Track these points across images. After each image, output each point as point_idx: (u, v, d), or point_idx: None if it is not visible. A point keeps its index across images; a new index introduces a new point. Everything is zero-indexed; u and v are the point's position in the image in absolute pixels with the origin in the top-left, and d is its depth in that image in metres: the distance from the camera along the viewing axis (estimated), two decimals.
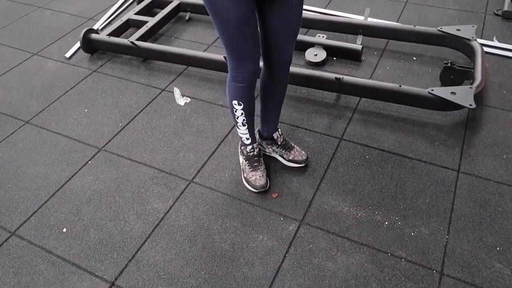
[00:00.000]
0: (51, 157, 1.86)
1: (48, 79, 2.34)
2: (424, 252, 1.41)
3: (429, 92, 1.85)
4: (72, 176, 1.77)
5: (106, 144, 1.91)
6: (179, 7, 2.76)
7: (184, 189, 1.68)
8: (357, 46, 2.27)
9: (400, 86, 1.91)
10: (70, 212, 1.63)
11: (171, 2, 2.76)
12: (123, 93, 2.20)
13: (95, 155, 1.86)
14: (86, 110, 2.11)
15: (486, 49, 2.26)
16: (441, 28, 2.22)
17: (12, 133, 2.01)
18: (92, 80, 2.31)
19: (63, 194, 1.70)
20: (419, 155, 1.75)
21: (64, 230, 1.57)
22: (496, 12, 2.57)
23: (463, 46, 2.19)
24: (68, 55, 2.49)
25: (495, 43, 2.34)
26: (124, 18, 2.62)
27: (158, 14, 2.64)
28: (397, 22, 2.59)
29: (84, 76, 2.34)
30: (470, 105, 1.77)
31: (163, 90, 2.20)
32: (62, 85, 2.28)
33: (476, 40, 2.15)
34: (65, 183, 1.75)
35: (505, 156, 1.72)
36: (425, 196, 1.59)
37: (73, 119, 2.06)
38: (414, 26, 2.32)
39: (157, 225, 1.56)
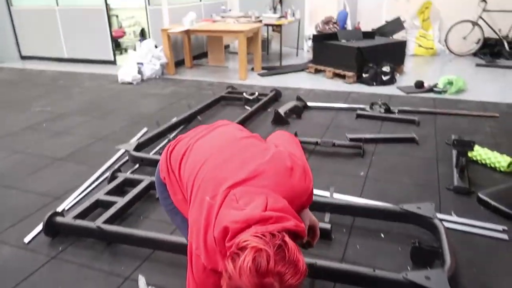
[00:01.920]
0: None
1: None
2: None
3: (403, 277, 1.83)
4: None
5: None
6: (150, 186, 2.81)
7: None
8: (326, 225, 2.30)
9: (374, 270, 1.89)
10: None
11: (142, 181, 2.82)
12: (81, 284, 2.03)
13: None
14: None
15: (447, 224, 2.35)
16: (402, 207, 2.34)
17: None
18: (49, 269, 2.13)
19: None
20: None
21: None
22: (448, 187, 2.78)
23: (426, 223, 2.27)
24: (27, 240, 2.36)
25: (454, 218, 2.46)
26: (92, 198, 2.60)
27: (128, 194, 2.65)
28: (360, 196, 2.72)
29: (41, 264, 2.17)
30: None
31: (126, 279, 2.05)
32: (14, 277, 2.09)
33: (436, 217, 2.25)
34: None
35: None
36: None
37: None
38: (377, 205, 2.44)
39: None
